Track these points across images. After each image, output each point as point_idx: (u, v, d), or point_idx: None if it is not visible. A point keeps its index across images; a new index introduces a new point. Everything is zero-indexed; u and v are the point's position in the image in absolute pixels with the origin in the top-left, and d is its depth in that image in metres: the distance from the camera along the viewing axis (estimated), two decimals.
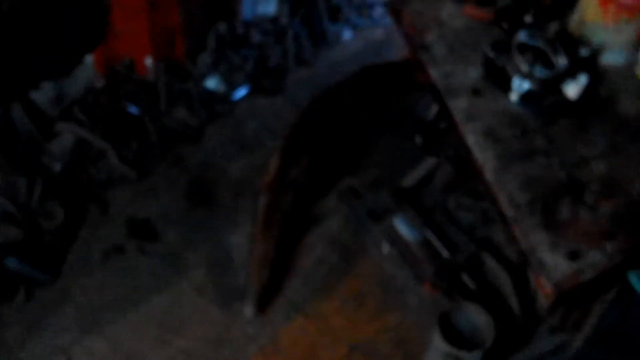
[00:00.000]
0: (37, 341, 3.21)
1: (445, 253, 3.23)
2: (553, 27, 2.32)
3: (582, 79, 2.30)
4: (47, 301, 3.30)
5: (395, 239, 3.31)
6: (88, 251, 3.45)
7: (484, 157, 2.32)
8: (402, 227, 3.31)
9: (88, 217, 3.52)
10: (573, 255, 2.12)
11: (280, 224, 3.39)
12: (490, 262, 3.14)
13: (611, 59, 2.43)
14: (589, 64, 2.36)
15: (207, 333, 3.25)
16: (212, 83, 3.76)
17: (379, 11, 4.23)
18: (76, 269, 3.39)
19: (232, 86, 3.77)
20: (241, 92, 3.81)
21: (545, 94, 2.34)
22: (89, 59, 3.55)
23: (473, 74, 2.46)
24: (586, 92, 2.32)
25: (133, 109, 3.61)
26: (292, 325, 3.29)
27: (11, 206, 3.27)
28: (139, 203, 3.57)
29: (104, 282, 3.37)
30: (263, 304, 3.30)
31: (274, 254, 3.34)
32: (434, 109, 3.02)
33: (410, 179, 3.44)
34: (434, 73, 2.48)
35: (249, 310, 3.25)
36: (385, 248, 3.33)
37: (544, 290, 2.15)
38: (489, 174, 2.30)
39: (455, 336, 2.80)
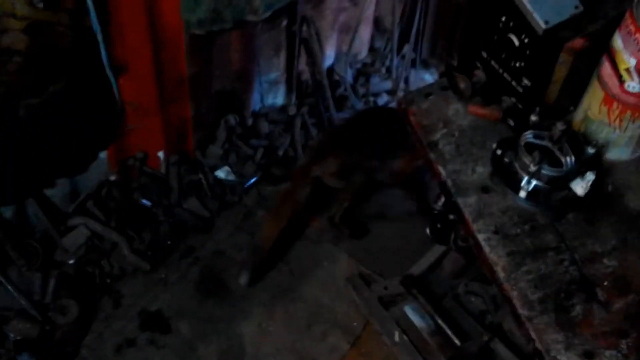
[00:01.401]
0: None
1: (456, 340, 3.17)
2: (559, 126, 2.30)
3: (589, 176, 2.27)
4: None
5: (406, 327, 3.26)
6: (101, 345, 3.39)
7: (495, 255, 2.28)
8: (413, 315, 3.27)
9: (101, 310, 3.48)
10: (588, 355, 2.07)
11: (292, 213, 3.59)
12: (502, 351, 3.08)
13: (616, 154, 2.41)
14: (595, 161, 2.33)
15: None
16: (222, 173, 3.76)
17: (384, 99, 4.24)
18: None
19: (242, 176, 3.76)
20: (251, 182, 3.81)
21: (554, 192, 2.31)
22: (103, 155, 3.55)
23: (481, 171, 2.44)
24: (593, 188, 2.29)
25: (145, 202, 3.61)
26: None
27: (26, 302, 3.25)
28: (151, 295, 3.52)
29: None
30: (257, 276, 3.58)
31: (277, 237, 3.57)
32: (442, 200, 2.99)
33: (419, 266, 3.40)
34: (443, 171, 2.47)
35: (243, 278, 3.54)
36: (397, 336, 3.27)
37: None
38: (500, 272, 2.26)
39: None
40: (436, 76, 4.17)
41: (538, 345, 2.13)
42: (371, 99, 4.23)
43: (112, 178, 3.61)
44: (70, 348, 3.35)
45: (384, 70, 4.27)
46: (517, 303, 2.20)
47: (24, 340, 3.21)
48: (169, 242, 3.62)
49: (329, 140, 3.74)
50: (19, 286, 3.28)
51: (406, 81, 4.38)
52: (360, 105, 4.16)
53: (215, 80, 3.58)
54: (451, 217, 2.95)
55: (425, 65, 4.30)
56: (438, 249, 3.41)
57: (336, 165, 3.54)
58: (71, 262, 3.40)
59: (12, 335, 3.21)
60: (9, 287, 3.26)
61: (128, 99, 3.37)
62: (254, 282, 3.52)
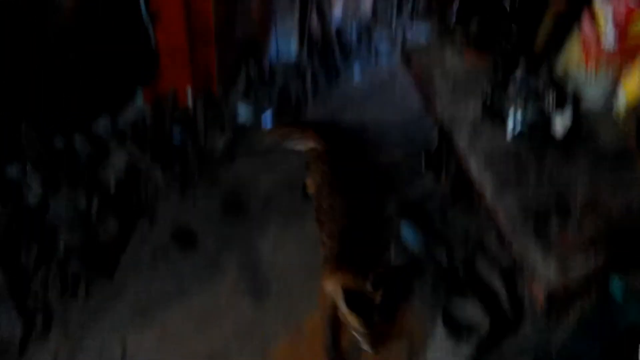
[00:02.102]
0: (96, 330, 3.24)
1: (444, 256, 3.27)
2: (543, 73, 2.37)
3: (567, 119, 2.36)
4: (104, 297, 3.34)
5: (400, 243, 3.34)
6: (138, 255, 3.48)
7: (484, 181, 2.37)
8: (407, 233, 3.34)
9: (138, 226, 3.56)
10: (561, 264, 2.17)
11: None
12: (483, 263, 3.18)
13: (592, 99, 2.49)
14: (574, 104, 2.41)
15: (241, 323, 3.30)
16: (242, 110, 3.79)
17: (384, 55, 4.24)
18: (128, 270, 3.43)
19: (259, 114, 3.79)
20: (267, 117, 3.83)
21: (536, 131, 2.39)
22: (139, 93, 3.58)
23: (473, 110, 2.51)
24: (571, 129, 2.37)
25: (176, 134, 3.66)
26: (312, 318, 3.31)
27: (75, 217, 3.31)
28: (182, 215, 3.61)
29: (151, 281, 3.40)
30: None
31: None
32: (437, 135, 3.05)
33: (414, 191, 3.48)
34: (439, 106, 2.53)
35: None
36: (392, 251, 3.36)
37: (537, 295, 2.20)
38: (488, 196, 2.35)
39: (454, 327, 2.86)
40: (433, 29, 4.16)
41: (518, 255, 2.24)
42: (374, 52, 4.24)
43: (147, 113, 3.64)
44: (113, 257, 3.44)
45: (386, 24, 4.28)
46: (502, 220, 2.30)
47: (73, 249, 3.28)
48: (196, 169, 3.69)
49: None
50: (68, 204, 3.34)
51: (405, 35, 4.36)
52: (364, 58, 4.18)
53: (237, 29, 3.60)
54: (445, 149, 3.05)
55: (423, 20, 4.25)
56: (431, 177, 3.48)
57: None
58: (112, 185, 3.46)
59: (63, 244, 3.29)
60: (60, 205, 3.32)
61: (162, 43, 3.39)
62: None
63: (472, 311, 2.92)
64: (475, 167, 2.41)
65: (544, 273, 2.18)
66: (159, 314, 3.30)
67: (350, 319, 2.89)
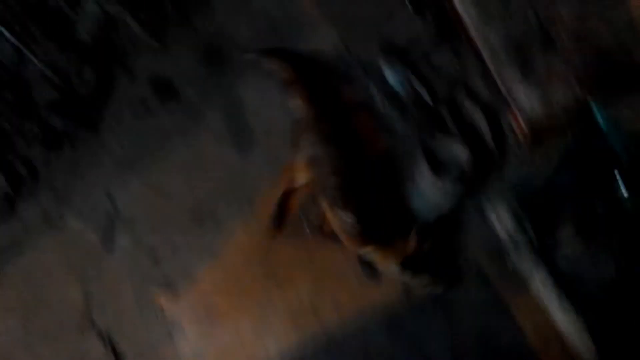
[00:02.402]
0: (82, 185, 3.28)
1: (428, 97, 3.12)
2: None
3: None
4: (89, 152, 3.33)
5: (383, 86, 3.18)
6: (120, 109, 3.39)
7: (467, 12, 2.27)
8: (390, 75, 3.15)
9: (117, 79, 3.42)
10: (544, 96, 2.12)
11: None
12: (467, 103, 3.05)
13: None
14: None
15: (227, 173, 3.27)
16: None
17: None
18: (111, 124, 3.36)
19: None
20: None
21: None
22: None
23: None
24: None
25: None
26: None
27: (51, 72, 3.22)
28: (161, 66, 3.45)
29: (135, 134, 3.35)
30: None
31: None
32: None
33: (397, 33, 3.26)
34: None
35: None
36: (376, 96, 3.22)
37: (519, 127, 2.15)
38: (471, 28, 2.25)
39: (437, 165, 2.83)
40: None
41: (501, 87, 2.18)
42: None
43: None
44: (94, 111, 3.36)
45: None
46: (485, 54, 2.22)
47: (52, 103, 3.24)
48: (173, 19, 3.49)
49: None
50: (44, 59, 3.22)
51: None
52: None
53: None
54: None
55: None
56: (414, 17, 3.23)
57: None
58: (87, 37, 3.31)
59: (41, 100, 3.21)
60: (34, 59, 3.21)
61: None
62: None
63: (455, 149, 2.88)
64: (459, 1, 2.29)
65: (526, 106, 2.12)
66: (145, 167, 3.29)
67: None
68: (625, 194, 2.25)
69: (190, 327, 3.06)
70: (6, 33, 3.14)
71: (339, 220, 2.90)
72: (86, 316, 3.08)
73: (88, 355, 3.02)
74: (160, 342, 3.04)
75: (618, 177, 2.24)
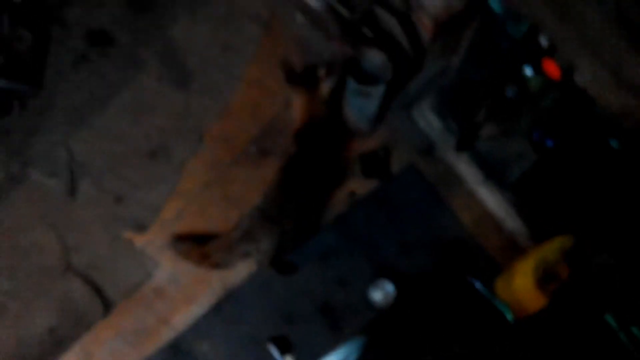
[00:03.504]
0: (39, 141, 3.17)
1: (346, 13, 3.08)
2: None
3: None
4: (38, 108, 3.20)
5: (305, 9, 3.14)
6: (60, 62, 3.24)
7: None
8: None
9: (52, 35, 3.26)
10: None
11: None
12: (382, 14, 2.99)
13: None
14: None
15: (172, 110, 3.20)
16: None
17: None
18: (54, 79, 3.22)
19: None
20: None
21: None
22: None
23: None
24: None
25: None
26: (237, 93, 3.22)
27: None
28: (91, 16, 3.29)
29: (79, 85, 3.22)
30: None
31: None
32: None
33: None
34: None
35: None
36: (299, 18, 3.16)
37: (426, 26, 2.09)
38: None
39: (363, 77, 2.76)
40: None
41: None
42: None
43: None
44: (36, 69, 3.21)
45: None
46: None
47: None
48: None
49: None
50: None
51: None
52: None
53: None
54: None
55: None
56: None
57: None
58: None
59: None
60: None
61: None
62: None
63: (377, 60, 2.80)
64: None
65: (428, 5, 2.06)
66: (94, 115, 3.19)
67: None
68: (528, 73, 2.20)
69: (162, 256, 3.03)
70: None
71: None
72: (64, 260, 3.02)
73: (72, 294, 2.99)
74: (136, 274, 3.01)
75: (520, 58, 2.19)
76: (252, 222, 2.74)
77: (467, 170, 2.94)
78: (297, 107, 2.91)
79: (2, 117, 3.13)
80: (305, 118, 2.88)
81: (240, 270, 2.99)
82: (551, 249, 2.48)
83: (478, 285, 2.56)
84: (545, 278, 2.43)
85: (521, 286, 2.47)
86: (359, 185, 3.09)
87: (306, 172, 2.82)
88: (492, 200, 2.91)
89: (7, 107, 3.13)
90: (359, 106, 2.88)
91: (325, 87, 2.91)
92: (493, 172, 2.85)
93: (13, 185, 3.11)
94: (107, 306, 2.96)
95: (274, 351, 2.86)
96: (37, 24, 3.18)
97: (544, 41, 1.98)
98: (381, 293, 2.90)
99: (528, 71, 2.23)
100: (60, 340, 2.93)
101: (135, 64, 3.25)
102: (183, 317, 2.97)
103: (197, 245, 2.94)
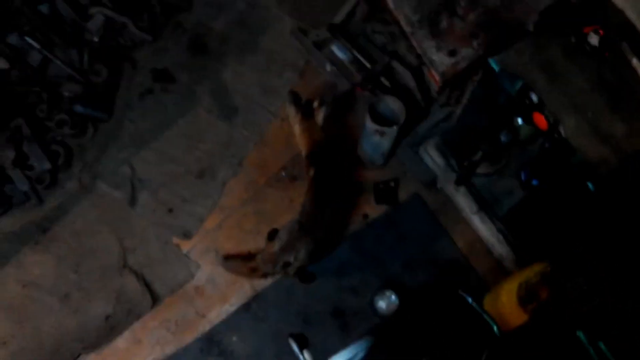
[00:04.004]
0: (107, 158, 3.22)
1: (368, 65, 3.12)
2: None
3: None
4: (108, 132, 3.25)
5: (334, 60, 3.19)
6: (128, 95, 3.31)
7: None
8: (338, 51, 3.17)
9: (124, 72, 3.34)
10: (452, 53, 2.05)
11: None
12: (398, 67, 3.04)
13: None
14: None
15: (219, 138, 3.23)
16: None
17: None
18: (123, 108, 3.29)
19: None
20: None
21: None
22: None
23: None
24: None
25: None
26: (273, 127, 3.25)
27: (71, 70, 3.12)
28: (157, 58, 3.36)
29: (143, 114, 3.28)
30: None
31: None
32: None
33: (339, 16, 3.23)
34: None
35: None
36: (328, 67, 3.21)
37: (435, 79, 2.09)
38: (390, 3, 2.16)
39: (380, 119, 2.78)
40: None
41: (419, 50, 2.10)
42: None
43: None
44: (108, 99, 3.28)
45: None
46: (403, 24, 2.13)
47: (75, 96, 3.13)
48: (162, 19, 3.38)
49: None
50: (64, 60, 3.12)
51: None
52: None
53: None
54: None
55: None
56: (351, 2, 3.21)
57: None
58: (96, 39, 3.19)
59: (66, 93, 3.13)
60: (57, 62, 3.10)
61: None
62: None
63: (392, 105, 2.84)
64: None
65: (438, 62, 2.05)
66: (154, 138, 3.23)
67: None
68: (520, 123, 2.21)
69: (203, 260, 3.04)
70: (32, 42, 3.03)
71: None
72: (122, 259, 3.04)
73: (126, 288, 2.99)
74: (181, 274, 3.01)
75: (513, 110, 2.19)
76: (291, 234, 2.71)
77: (464, 201, 2.92)
78: (300, 134, 2.92)
79: (79, 137, 3.19)
80: (309, 142, 2.88)
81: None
82: (533, 272, 2.46)
83: (469, 300, 2.54)
84: (527, 297, 2.40)
85: (506, 303, 2.45)
86: (372, 210, 3.08)
87: (329, 190, 2.82)
88: (484, 228, 2.89)
89: (83, 129, 3.18)
90: (375, 143, 2.89)
91: (320, 115, 2.94)
92: (486, 204, 2.83)
93: (84, 194, 3.15)
94: (155, 300, 2.97)
95: (294, 345, 2.84)
96: (112, 61, 3.26)
97: (534, 97, 1.98)
98: (386, 302, 2.88)
99: (519, 121, 2.23)
100: (114, 327, 2.94)
101: (190, 99, 3.30)
102: (217, 313, 2.96)
103: (244, 262, 2.93)
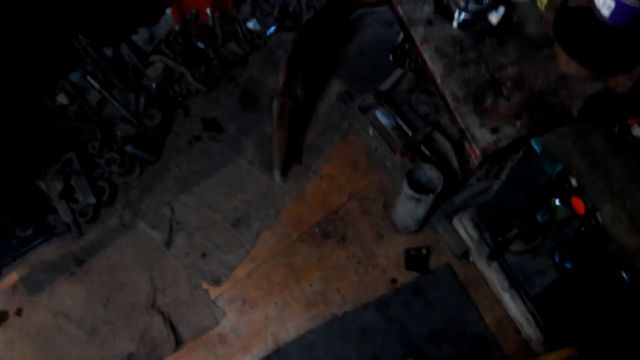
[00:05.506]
0: (150, 198, 3.29)
1: (409, 133, 3.19)
2: None
3: (501, 10, 2.20)
4: (154, 173, 3.35)
5: (377, 125, 3.27)
6: (178, 140, 3.44)
7: (435, 67, 2.25)
8: (382, 117, 3.27)
9: (176, 118, 3.48)
10: (494, 130, 2.09)
11: (289, 116, 3.26)
12: (439, 138, 3.10)
13: None
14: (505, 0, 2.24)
15: (258, 189, 3.30)
16: (251, 24, 3.60)
17: None
18: (171, 152, 3.41)
19: (265, 26, 3.61)
20: (271, 30, 3.66)
21: (476, 21, 2.23)
22: (169, 11, 3.43)
23: (427, 9, 2.35)
24: (504, 19, 2.21)
25: (200, 44, 3.50)
26: (311, 182, 3.31)
27: (127, 112, 3.26)
28: (208, 107, 3.51)
29: (189, 159, 3.39)
30: (286, 170, 3.30)
31: (287, 137, 3.28)
32: (401, 35, 2.90)
33: (386, 84, 3.34)
34: (400, 10, 2.37)
35: (277, 176, 3.28)
36: (371, 131, 3.29)
37: (475, 154, 2.13)
38: (438, 79, 2.24)
39: (417, 186, 2.82)
40: None
41: (461, 125, 2.15)
42: None
43: (176, 28, 3.48)
44: (158, 142, 3.41)
45: None
46: (448, 99, 2.20)
47: (127, 137, 3.26)
48: (217, 72, 3.55)
49: (298, 50, 3.34)
50: (121, 102, 3.28)
51: None
52: None
53: None
54: (406, 46, 2.90)
55: None
56: (398, 72, 3.32)
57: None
58: (153, 85, 3.36)
59: (119, 133, 3.26)
60: (114, 103, 3.27)
61: None
62: (285, 175, 3.32)
63: (430, 174, 2.87)
64: (429, 56, 2.28)
65: (480, 138, 2.10)
66: (196, 184, 3.31)
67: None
68: (557, 204, 2.21)
69: (229, 308, 3.05)
70: (93, 82, 3.21)
71: None
72: (151, 299, 3.07)
73: (151, 328, 3.01)
74: (206, 319, 3.03)
75: (552, 191, 2.20)
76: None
77: (495, 277, 2.89)
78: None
79: (126, 175, 3.29)
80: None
81: (290, 331, 2.98)
82: (560, 357, 2.40)
83: None
84: None
85: None
86: (401, 275, 3.07)
87: None
88: (514, 306, 2.84)
89: (130, 168, 3.29)
90: (410, 209, 2.91)
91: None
92: (517, 282, 2.80)
93: (123, 230, 3.22)
94: (179, 343, 2.97)
95: None
96: (166, 107, 3.40)
97: (573, 182, 1.99)
98: None
99: (557, 202, 2.23)
100: None
101: (235, 149, 3.40)
102: None
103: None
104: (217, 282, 3.11)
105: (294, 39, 3.33)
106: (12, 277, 3.10)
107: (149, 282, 3.11)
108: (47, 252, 3.17)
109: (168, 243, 3.18)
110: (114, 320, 3.04)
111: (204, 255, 3.16)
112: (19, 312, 3.03)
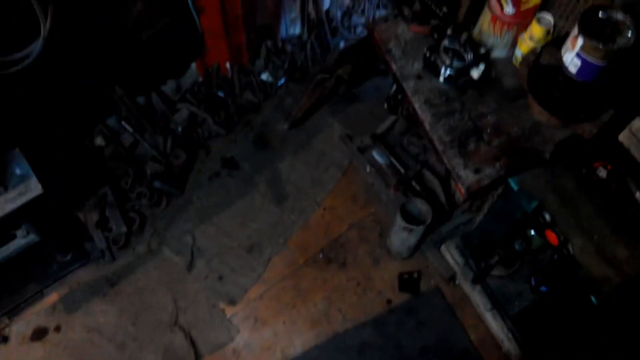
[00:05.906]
0: (174, 227, 3.29)
1: (402, 170, 3.22)
2: (464, 36, 2.24)
3: (481, 67, 2.24)
4: (178, 205, 3.36)
5: (373, 163, 3.29)
6: (200, 176, 3.45)
7: (424, 115, 2.29)
8: (378, 156, 3.29)
9: (198, 157, 3.51)
10: (477, 171, 2.11)
11: (319, 94, 3.51)
12: (428, 175, 3.13)
13: (498, 54, 2.36)
14: (485, 57, 2.28)
15: (269, 220, 3.30)
16: (264, 76, 3.65)
17: (360, 29, 4.02)
18: (193, 187, 3.42)
19: (276, 78, 3.67)
20: (281, 81, 3.72)
21: (460, 76, 2.28)
22: (193, 65, 3.49)
23: (417, 66, 2.40)
24: (484, 74, 2.26)
25: (220, 93, 3.54)
26: (316, 214, 3.32)
27: (156, 152, 3.29)
28: (227, 148, 3.54)
29: (210, 193, 3.39)
30: (294, 125, 3.55)
31: (311, 105, 3.51)
32: (394, 87, 2.95)
33: (381, 128, 3.39)
34: (394, 66, 2.42)
35: (285, 125, 3.52)
36: (368, 169, 3.31)
37: (460, 191, 2.15)
38: (427, 125, 2.27)
39: (409, 217, 2.83)
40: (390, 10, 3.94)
41: (448, 166, 2.17)
42: (352, 29, 4.02)
43: (200, 79, 3.53)
44: (182, 178, 3.43)
45: (360, 11, 4.01)
46: (436, 143, 2.22)
47: (155, 173, 3.27)
48: (235, 118, 3.59)
49: (342, 57, 3.64)
50: (151, 143, 3.31)
51: (373, 17, 4.07)
52: (346, 34, 3.97)
53: (258, 17, 3.42)
54: (399, 96, 2.95)
55: (385, 6, 4.03)
56: (392, 118, 3.37)
57: (349, 68, 3.49)
58: (179, 129, 3.39)
59: (148, 171, 3.28)
60: (145, 144, 3.29)
61: (206, 29, 3.27)
62: (292, 128, 3.53)
63: (421, 207, 2.89)
64: (419, 106, 2.32)
65: (464, 178, 2.12)
66: (215, 215, 3.32)
67: None
68: (533, 234, 2.21)
69: (243, 325, 3.02)
70: (127, 126, 3.24)
71: None
72: (174, 317, 3.04)
73: (174, 344, 2.98)
74: (222, 336, 3.00)
75: (528, 224, 2.21)
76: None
77: (479, 298, 2.88)
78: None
79: (153, 207, 3.31)
80: None
81: (297, 347, 2.95)
82: None
83: None
84: None
85: None
86: (395, 296, 3.05)
87: None
88: (495, 324, 2.82)
89: (158, 201, 3.30)
90: (403, 238, 2.92)
91: None
92: (499, 303, 2.78)
93: (150, 256, 3.22)
94: (198, 357, 2.94)
95: None
96: (190, 148, 3.43)
97: (547, 216, 2.00)
98: None
99: (533, 233, 2.24)
100: None
101: (250, 184, 3.41)
102: None
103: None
104: (232, 302, 3.08)
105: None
106: (53, 297, 3.08)
107: (172, 302, 3.09)
108: (83, 275, 3.16)
109: (189, 267, 3.17)
110: (141, 336, 3.01)
111: (221, 278, 3.14)
112: (57, 329, 3.01)
